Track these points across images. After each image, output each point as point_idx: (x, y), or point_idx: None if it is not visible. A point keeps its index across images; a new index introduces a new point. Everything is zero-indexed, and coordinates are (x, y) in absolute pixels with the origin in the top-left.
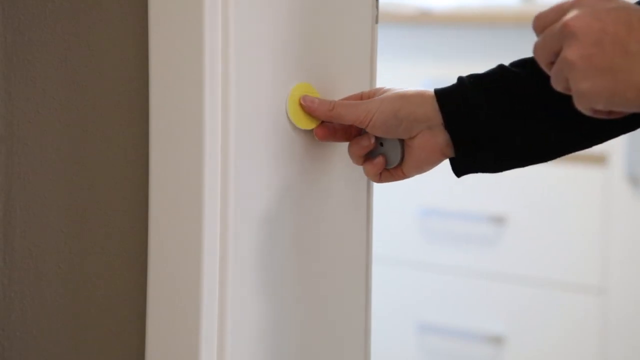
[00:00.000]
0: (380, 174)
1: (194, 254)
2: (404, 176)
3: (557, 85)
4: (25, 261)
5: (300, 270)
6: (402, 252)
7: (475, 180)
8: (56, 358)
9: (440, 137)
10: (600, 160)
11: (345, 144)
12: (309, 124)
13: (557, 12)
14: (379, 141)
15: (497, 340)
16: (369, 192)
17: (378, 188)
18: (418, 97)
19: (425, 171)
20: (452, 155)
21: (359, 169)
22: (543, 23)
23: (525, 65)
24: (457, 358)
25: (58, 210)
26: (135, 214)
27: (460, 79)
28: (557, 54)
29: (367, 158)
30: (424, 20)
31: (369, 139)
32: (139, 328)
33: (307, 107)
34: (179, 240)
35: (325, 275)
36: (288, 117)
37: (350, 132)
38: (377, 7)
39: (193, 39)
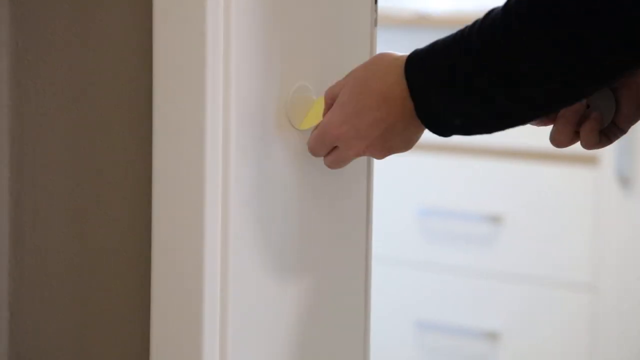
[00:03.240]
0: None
1: (196, 253)
2: (621, 132)
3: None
4: (34, 258)
5: (300, 270)
6: (401, 251)
7: (473, 180)
8: (64, 353)
9: None
10: (591, 161)
11: None
12: (310, 123)
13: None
14: (586, 102)
15: (492, 337)
16: (368, 191)
17: (378, 188)
18: None
19: None
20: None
21: (359, 169)
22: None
23: None
24: (453, 354)
25: (65, 210)
26: (139, 213)
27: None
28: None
29: (581, 123)
30: (422, 23)
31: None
32: (144, 324)
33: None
34: (181, 239)
35: (325, 274)
36: (289, 119)
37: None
38: (376, 10)
39: (195, 41)
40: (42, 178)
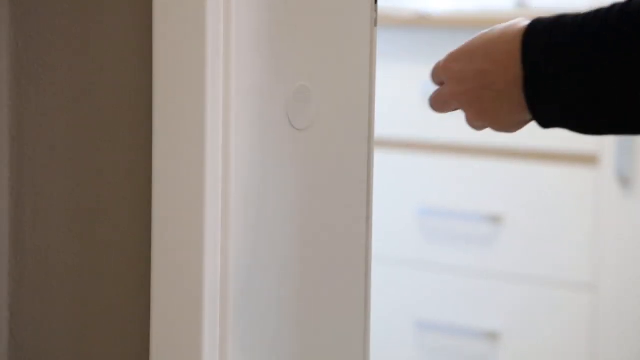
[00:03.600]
0: None
1: (196, 253)
2: None
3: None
4: (35, 258)
5: (300, 269)
6: (401, 251)
7: (473, 180)
8: (64, 353)
9: None
10: (592, 160)
11: (342, 145)
12: None
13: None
14: None
15: (492, 337)
16: (368, 191)
17: (378, 188)
18: None
19: None
20: None
21: (359, 168)
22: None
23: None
24: (453, 354)
25: (66, 210)
26: (139, 213)
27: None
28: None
29: None
30: (422, 23)
31: None
32: (144, 324)
33: None
34: (181, 239)
35: (324, 274)
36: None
37: None
38: (376, 10)
39: (195, 41)
40: (42, 178)
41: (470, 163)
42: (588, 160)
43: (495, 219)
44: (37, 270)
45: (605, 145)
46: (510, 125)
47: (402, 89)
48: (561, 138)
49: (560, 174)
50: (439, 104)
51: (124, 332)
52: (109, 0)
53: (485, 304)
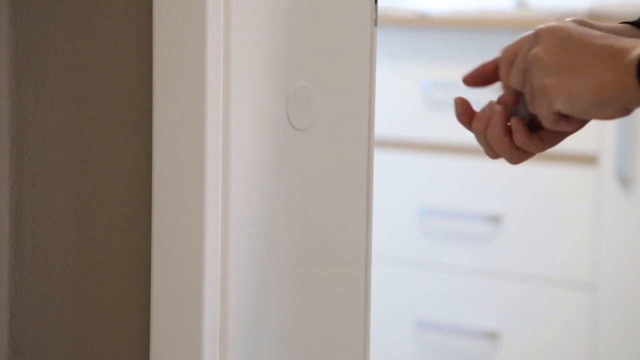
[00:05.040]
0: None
1: (196, 253)
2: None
3: (515, 81)
4: (35, 258)
5: (299, 269)
6: (401, 250)
7: (473, 180)
8: (64, 353)
9: None
10: (592, 160)
11: (342, 145)
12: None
13: (521, 45)
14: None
15: (492, 336)
16: (368, 191)
17: (378, 188)
18: None
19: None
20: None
21: (359, 169)
22: (509, 55)
23: None
24: (453, 354)
25: (66, 209)
26: (139, 213)
27: None
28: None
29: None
30: (422, 23)
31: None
32: (144, 324)
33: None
34: (181, 239)
35: (324, 273)
36: (289, 119)
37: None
38: (376, 10)
39: (195, 41)
40: (42, 178)
41: (470, 163)
42: (588, 160)
43: (495, 219)
44: (37, 270)
45: (605, 145)
46: (602, 89)
47: (402, 89)
48: None
49: (560, 174)
50: (520, 61)
51: (124, 331)
52: (109, 0)
53: (485, 303)
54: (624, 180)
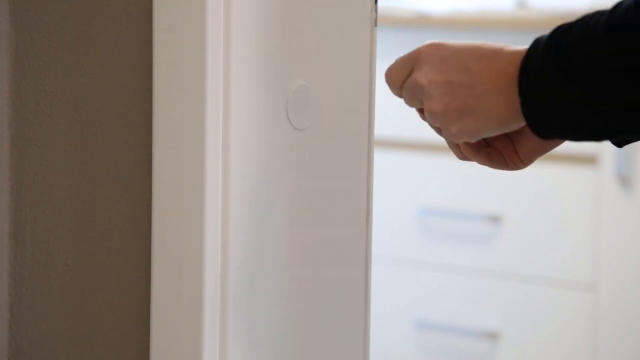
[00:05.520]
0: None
1: (196, 253)
2: (520, 162)
3: (411, 104)
4: (35, 258)
5: (299, 269)
6: (401, 250)
7: (473, 180)
8: (64, 353)
9: None
10: (591, 160)
11: (342, 145)
12: None
13: (403, 68)
14: None
15: (492, 336)
16: (368, 191)
17: (378, 188)
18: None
19: (545, 153)
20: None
21: (359, 169)
22: (395, 80)
23: None
24: (453, 354)
25: (66, 209)
26: (139, 213)
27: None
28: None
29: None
30: (422, 23)
31: None
32: (144, 324)
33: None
34: (181, 239)
35: (324, 273)
36: (289, 119)
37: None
38: (376, 10)
39: (195, 41)
40: (42, 178)
41: (470, 163)
42: (588, 160)
43: (495, 219)
44: (37, 270)
45: (605, 145)
46: (491, 125)
47: None
48: None
49: (560, 174)
50: (408, 88)
51: (124, 331)
52: (109, 0)
53: (485, 303)
54: (624, 180)
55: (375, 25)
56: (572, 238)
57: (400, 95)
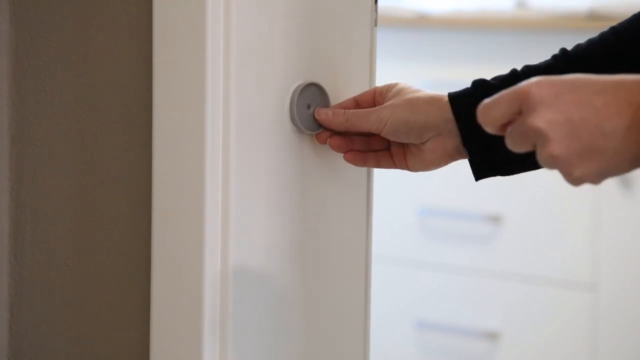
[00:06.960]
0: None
1: (196, 253)
2: (407, 169)
3: (519, 148)
4: (35, 258)
5: (299, 269)
6: (401, 250)
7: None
8: (64, 353)
9: (449, 144)
10: None
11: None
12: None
13: (508, 107)
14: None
15: (492, 336)
16: (368, 191)
17: (378, 188)
18: (427, 105)
19: (430, 170)
20: (460, 158)
21: (359, 169)
22: (496, 121)
23: (535, 74)
24: (453, 354)
25: (66, 209)
26: (139, 213)
27: (474, 83)
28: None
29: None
30: (422, 23)
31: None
32: (144, 324)
33: (323, 121)
34: (181, 239)
35: (325, 273)
36: (289, 119)
37: (366, 139)
38: (376, 10)
39: (195, 41)
40: (42, 178)
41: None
42: None
43: (495, 219)
44: (37, 270)
45: None
46: (623, 164)
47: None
48: None
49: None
50: (518, 132)
51: (124, 331)
52: (109, 0)
53: (485, 303)
54: (624, 180)
55: (375, 25)
56: (572, 238)
57: (493, 133)
